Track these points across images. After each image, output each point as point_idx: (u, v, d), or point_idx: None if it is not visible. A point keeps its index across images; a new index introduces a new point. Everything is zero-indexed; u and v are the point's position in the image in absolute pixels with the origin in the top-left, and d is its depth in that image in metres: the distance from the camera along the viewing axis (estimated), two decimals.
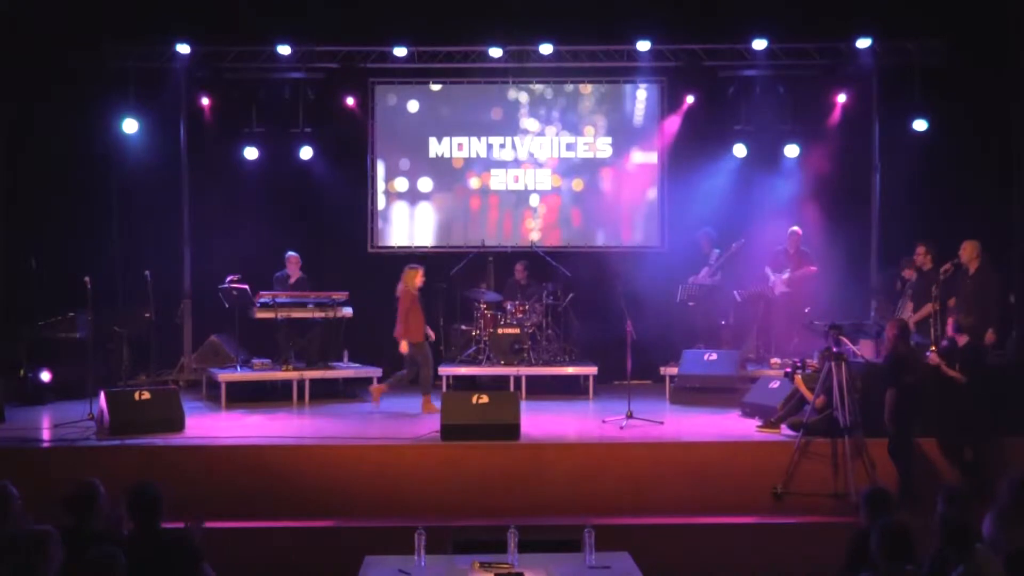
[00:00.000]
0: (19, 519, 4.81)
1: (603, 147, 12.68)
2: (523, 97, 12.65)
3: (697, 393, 10.39)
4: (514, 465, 7.98)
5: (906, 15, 11.35)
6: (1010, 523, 4.87)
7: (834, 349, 8.07)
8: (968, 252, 9.02)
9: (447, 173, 12.66)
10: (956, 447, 8.02)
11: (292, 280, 11.15)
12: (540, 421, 9.12)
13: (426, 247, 12.65)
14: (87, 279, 9.31)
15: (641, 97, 12.66)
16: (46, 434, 8.65)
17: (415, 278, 10.07)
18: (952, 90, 11.38)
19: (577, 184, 12.68)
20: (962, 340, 8.13)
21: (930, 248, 9.55)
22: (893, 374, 7.91)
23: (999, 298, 9.12)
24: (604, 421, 9.15)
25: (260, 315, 10.63)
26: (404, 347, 9.99)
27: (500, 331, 11.03)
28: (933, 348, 8.63)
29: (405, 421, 9.20)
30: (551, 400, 10.64)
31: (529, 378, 10.86)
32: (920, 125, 11.49)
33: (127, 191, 11.69)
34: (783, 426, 8.54)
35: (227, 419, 9.53)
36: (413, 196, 12.67)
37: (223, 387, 10.11)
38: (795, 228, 11.48)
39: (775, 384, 9.49)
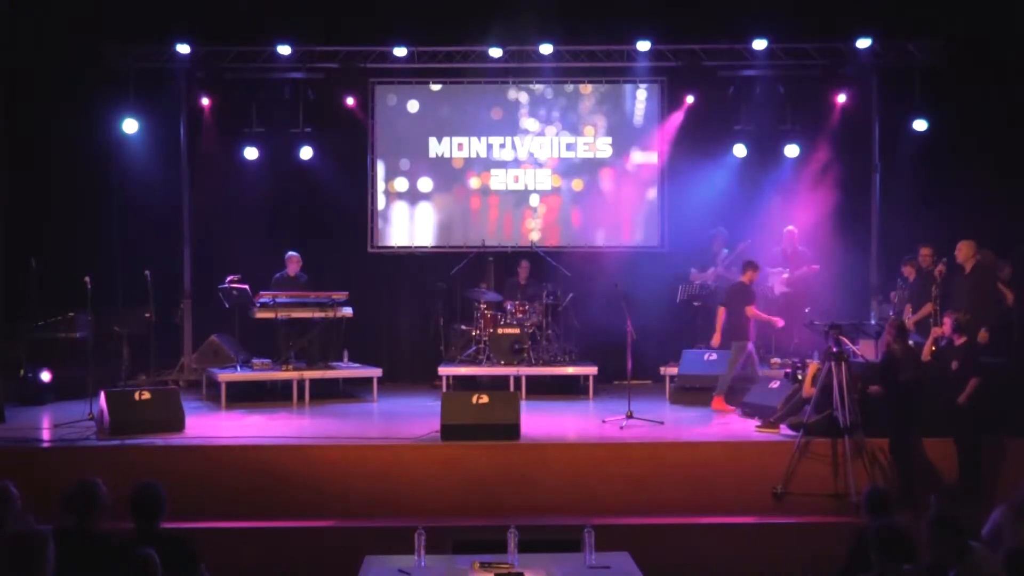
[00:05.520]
0: (19, 520, 4.81)
1: (603, 147, 12.67)
2: (523, 97, 12.64)
3: (697, 393, 10.38)
4: (514, 465, 7.98)
5: (906, 15, 11.36)
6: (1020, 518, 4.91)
7: (834, 349, 8.07)
8: (964, 252, 9.02)
9: (447, 173, 12.66)
10: (960, 447, 8.00)
11: (292, 276, 11.14)
12: (540, 421, 9.11)
13: (426, 247, 12.64)
14: (87, 279, 9.31)
15: (641, 97, 12.65)
16: (46, 434, 8.64)
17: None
18: (952, 90, 11.38)
19: (577, 184, 12.67)
20: (960, 340, 8.12)
21: (935, 251, 9.57)
22: (886, 373, 7.92)
23: (996, 298, 9.11)
24: (604, 421, 9.15)
25: (260, 315, 10.63)
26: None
27: (500, 331, 11.02)
28: (933, 348, 8.63)
29: (405, 421, 9.19)
30: (551, 400, 10.64)
31: (529, 378, 10.85)
32: (920, 125, 11.51)
33: (127, 191, 11.70)
34: (782, 426, 8.54)
35: (227, 419, 9.53)
36: (413, 196, 12.67)
37: (223, 387, 10.11)
38: (790, 227, 11.48)
39: (775, 384, 9.50)
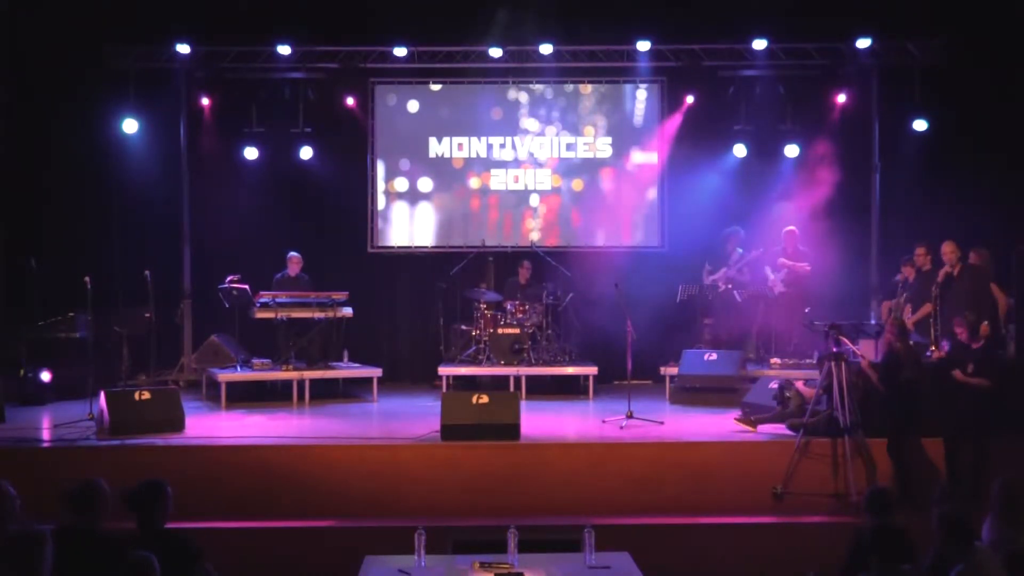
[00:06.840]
0: (19, 519, 4.81)
1: (603, 147, 12.68)
2: (523, 97, 12.65)
3: (697, 393, 10.38)
4: (514, 465, 7.98)
5: (906, 15, 11.36)
6: (1006, 524, 4.89)
7: (834, 349, 8.07)
8: (950, 256, 9.00)
9: (447, 173, 12.66)
10: (956, 446, 8.01)
11: (293, 276, 11.14)
12: (540, 421, 9.11)
13: (426, 247, 12.65)
14: (87, 279, 9.31)
15: (641, 97, 12.65)
16: (46, 434, 8.64)
17: None
18: (952, 90, 11.38)
19: (577, 184, 12.68)
20: (976, 344, 8.09)
21: (930, 249, 9.56)
22: (888, 372, 7.92)
23: (991, 300, 9.10)
24: (604, 421, 9.15)
25: (260, 315, 10.63)
26: None
27: (500, 331, 11.02)
28: (933, 348, 8.61)
29: (405, 421, 9.19)
30: (551, 400, 10.64)
31: (529, 378, 10.84)
32: (920, 125, 11.52)
33: (127, 191, 11.70)
34: (760, 426, 8.54)
35: (227, 419, 9.53)
36: (413, 196, 12.67)
37: (223, 387, 10.11)
38: (790, 227, 11.47)
39: (775, 384, 9.47)
